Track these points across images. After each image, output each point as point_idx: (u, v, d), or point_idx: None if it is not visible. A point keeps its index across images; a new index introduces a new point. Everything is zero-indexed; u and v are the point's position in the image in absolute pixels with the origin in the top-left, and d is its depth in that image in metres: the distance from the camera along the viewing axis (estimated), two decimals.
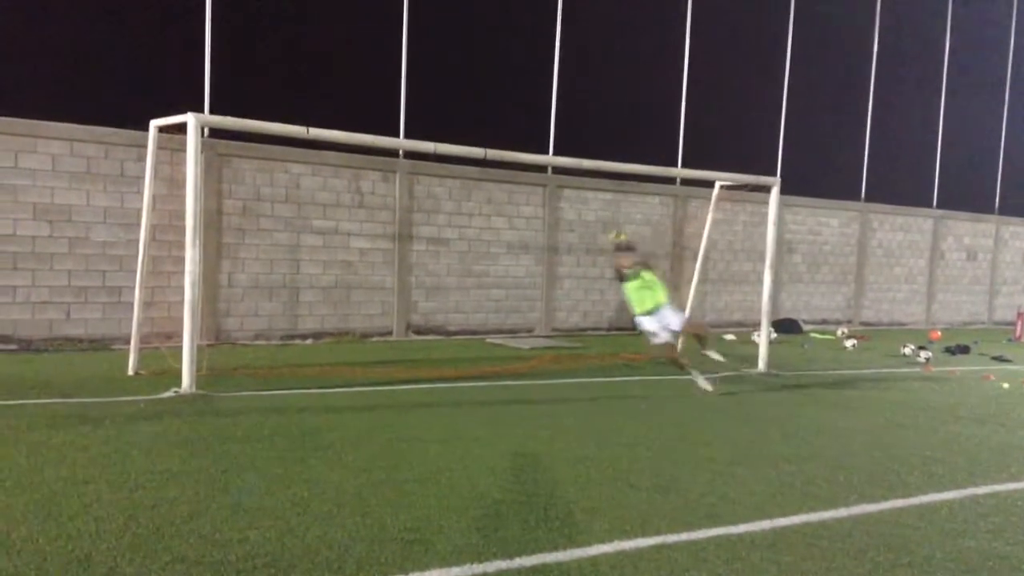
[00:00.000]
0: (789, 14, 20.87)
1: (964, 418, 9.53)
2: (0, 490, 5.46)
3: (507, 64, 17.02)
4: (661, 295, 10.16)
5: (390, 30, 15.54)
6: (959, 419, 9.45)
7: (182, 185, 9.69)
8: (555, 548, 4.78)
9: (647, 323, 10.07)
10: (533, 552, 4.70)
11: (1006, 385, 12.33)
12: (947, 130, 24.13)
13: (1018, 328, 20.72)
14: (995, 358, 15.95)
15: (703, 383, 10.41)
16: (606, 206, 18.38)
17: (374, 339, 15.45)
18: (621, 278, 10.28)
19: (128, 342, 10.94)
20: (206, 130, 12.97)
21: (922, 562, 4.85)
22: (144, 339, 11.07)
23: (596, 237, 18.20)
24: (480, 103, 16.54)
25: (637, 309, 10.08)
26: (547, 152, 17.16)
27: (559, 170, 17.31)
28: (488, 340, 16.11)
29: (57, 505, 5.20)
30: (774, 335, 15.79)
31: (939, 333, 19.52)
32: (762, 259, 14.64)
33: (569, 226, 17.90)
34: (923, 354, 15.17)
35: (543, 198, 17.51)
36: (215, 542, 4.68)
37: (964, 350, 17.02)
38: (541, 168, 17.19)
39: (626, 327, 18.52)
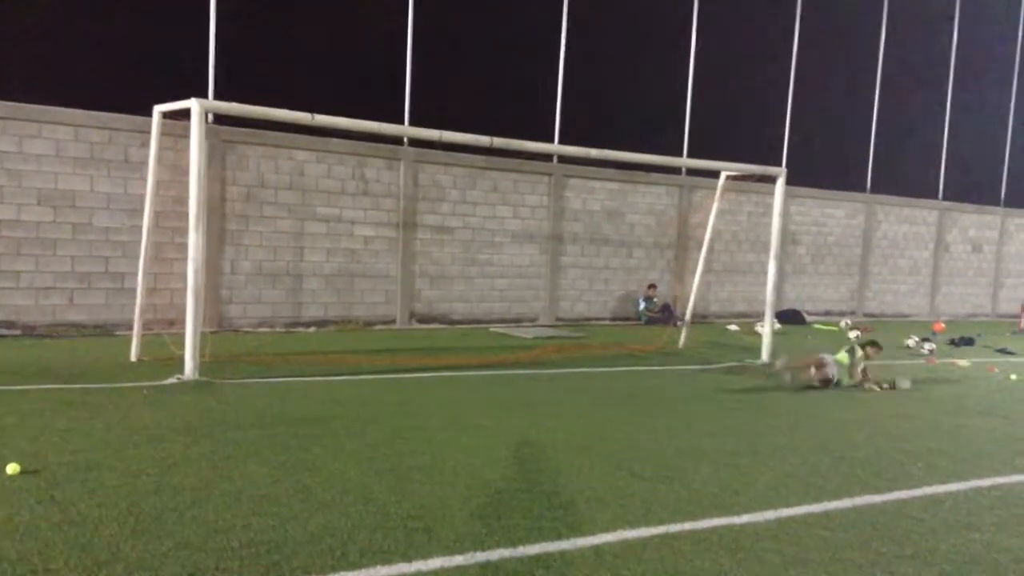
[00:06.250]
0: (796, 5, 20.76)
1: (968, 410, 9.50)
2: (3, 475, 5.45)
3: (513, 52, 16.94)
4: None
5: (396, 17, 15.47)
6: (963, 411, 9.43)
7: (186, 171, 9.67)
8: (559, 537, 4.77)
9: None
10: (536, 541, 4.69)
11: (1014, 376, 12.32)
12: (953, 122, 24.03)
13: (1022, 320, 20.66)
14: (999, 350, 15.91)
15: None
16: (612, 196, 18.33)
17: (377, 327, 15.45)
18: None
19: (131, 328, 10.95)
20: (210, 116, 12.97)
21: (926, 554, 4.83)
22: (147, 325, 11.09)
23: (601, 227, 18.17)
24: (485, 91, 16.49)
25: None
26: (552, 141, 17.10)
27: (565, 159, 17.27)
28: (492, 329, 16.10)
29: (60, 490, 5.20)
30: (777, 326, 15.76)
31: (943, 325, 19.48)
32: (766, 250, 14.61)
33: (574, 215, 17.85)
34: (927, 346, 15.14)
35: (548, 187, 17.47)
36: (218, 528, 4.68)
37: (968, 342, 16.98)
38: (546, 157, 17.14)
39: (630, 317, 18.52)
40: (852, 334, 17.10)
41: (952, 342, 16.85)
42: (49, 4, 12.54)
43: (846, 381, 10.73)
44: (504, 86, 16.76)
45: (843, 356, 10.94)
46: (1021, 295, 25.36)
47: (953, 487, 6.24)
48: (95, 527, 4.61)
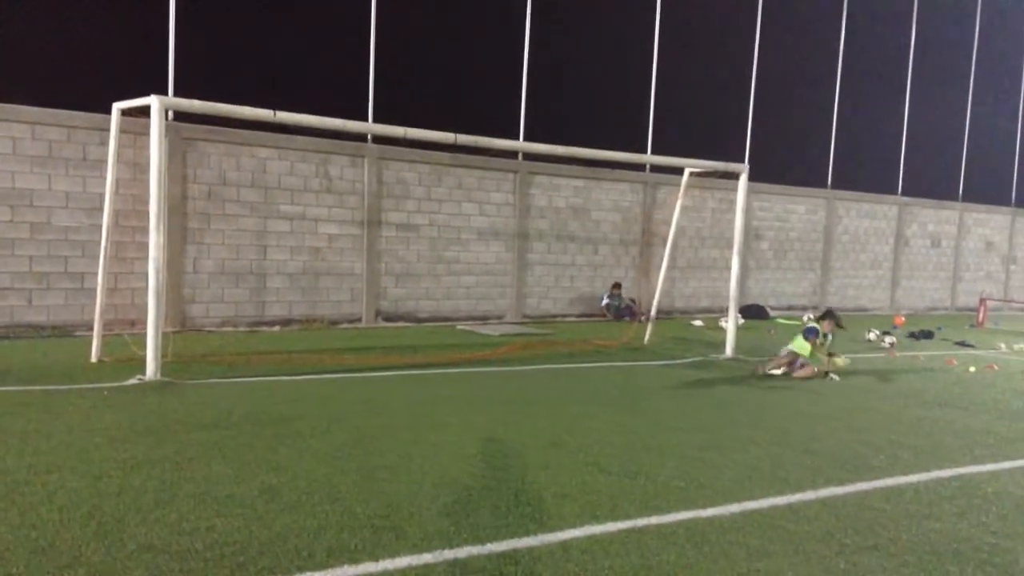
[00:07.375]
0: (758, 4, 20.95)
1: (928, 402, 9.66)
2: None
3: (478, 49, 16.90)
4: None
5: (359, 12, 15.37)
6: (923, 403, 9.58)
7: (146, 169, 9.56)
8: (526, 533, 4.78)
9: None
10: (504, 537, 4.69)
11: (972, 369, 12.54)
12: (912, 118, 24.40)
13: (980, 314, 21.05)
14: (958, 343, 16.19)
15: None
16: (577, 193, 18.38)
17: (343, 326, 15.36)
18: None
19: (91, 329, 10.78)
20: (170, 113, 12.80)
21: (888, 544, 4.90)
22: (107, 326, 10.93)
23: (567, 224, 18.21)
24: (450, 88, 16.45)
25: None
26: (518, 138, 17.10)
27: (530, 156, 17.27)
28: (459, 327, 16.08)
29: (20, 493, 5.11)
30: (741, 321, 15.91)
31: (903, 319, 19.78)
32: (730, 246, 14.74)
33: (540, 212, 17.87)
34: (888, 339, 15.36)
35: (514, 184, 17.47)
36: (181, 530, 4.62)
37: (928, 335, 17.26)
38: (511, 154, 17.13)
39: (596, 313, 18.58)
40: None
41: (912, 335, 17.12)
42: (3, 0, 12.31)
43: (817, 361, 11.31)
44: (469, 83, 16.72)
45: (800, 343, 11.34)
46: (979, 289, 25.85)
47: (914, 478, 6.35)
48: (56, 530, 4.54)
